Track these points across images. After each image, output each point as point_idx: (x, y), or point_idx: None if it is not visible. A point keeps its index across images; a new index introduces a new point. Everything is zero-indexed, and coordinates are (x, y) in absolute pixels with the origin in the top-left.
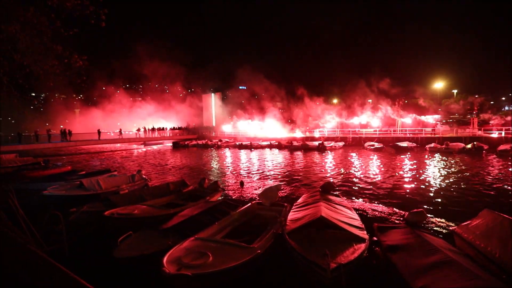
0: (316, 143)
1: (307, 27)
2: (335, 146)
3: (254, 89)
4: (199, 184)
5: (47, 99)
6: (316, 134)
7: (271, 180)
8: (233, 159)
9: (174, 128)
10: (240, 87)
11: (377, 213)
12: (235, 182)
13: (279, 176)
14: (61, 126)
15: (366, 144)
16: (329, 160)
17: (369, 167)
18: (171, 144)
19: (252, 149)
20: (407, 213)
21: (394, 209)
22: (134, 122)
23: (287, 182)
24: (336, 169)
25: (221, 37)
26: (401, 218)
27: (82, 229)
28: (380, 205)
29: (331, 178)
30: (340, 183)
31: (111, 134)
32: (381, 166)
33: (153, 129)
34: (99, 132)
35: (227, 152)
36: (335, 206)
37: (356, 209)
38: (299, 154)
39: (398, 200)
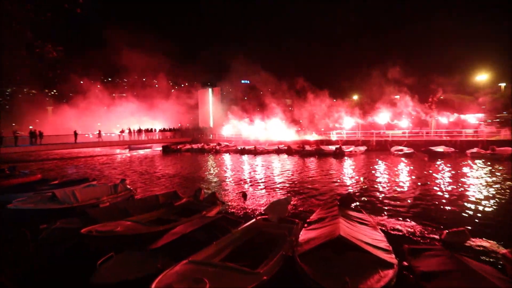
0: (333, 147)
1: (317, 16)
2: (356, 151)
3: (259, 83)
4: (194, 196)
5: (14, 95)
6: (333, 136)
7: (279, 191)
8: (234, 166)
9: (164, 130)
10: (243, 81)
11: (407, 232)
12: (236, 194)
13: (289, 187)
14: (30, 127)
15: (393, 148)
16: (349, 168)
17: (397, 176)
18: (161, 149)
19: (257, 154)
20: (445, 232)
21: (429, 227)
22: (117, 123)
23: (298, 193)
24: (357, 178)
25: (219, 25)
26: (438, 239)
27: (54, 249)
28: (411, 222)
29: (351, 189)
30: (362, 195)
31: (90, 136)
32: (412, 175)
33: (139, 130)
34: (75, 134)
35: (227, 158)
36: (356, 223)
37: (381, 227)
38: (312, 161)
39: (433, 217)
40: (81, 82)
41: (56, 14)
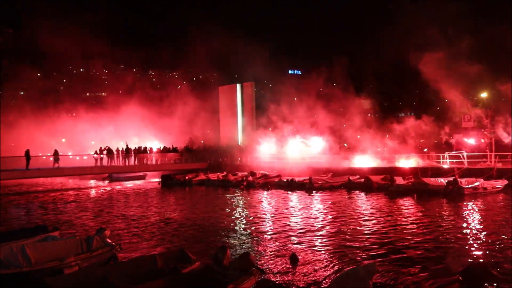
0: (443, 180)
1: None
2: (486, 188)
3: (317, 74)
4: (215, 259)
5: None
6: (444, 161)
7: (353, 253)
8: (278, 209)
9: (165, 150)
10: (291, 72)
11: None
12: (282, 255)
13: (370, 246)
14: None
15: None
16: (475, 217)
17: None
18: (159, 180)
19: (314, 191)
20: None
21: None
22: (92, 138)
23: (387, 259)
24: (493, 236)
25: None
26: None
27: None
28: None
29: (482, 256)
30: (503, 267)
31: (51, 159)
32: None
33: (126, 150)
34: (27, 155)
35: (266, 196)
36: None
37: None
38: (408, 203)
39: None
40: (38, 75)
41: None
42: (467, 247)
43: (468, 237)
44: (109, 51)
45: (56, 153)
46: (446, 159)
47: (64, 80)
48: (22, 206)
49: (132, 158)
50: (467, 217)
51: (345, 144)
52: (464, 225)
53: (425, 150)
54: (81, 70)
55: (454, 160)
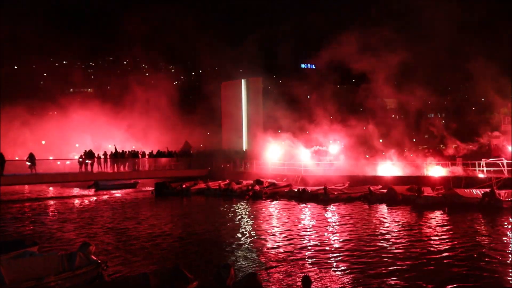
0: (479, 192)
1: None
2: None
3: (333, 68)
4: (217, 278)
5: None
6: (480, 170)
7: (374, 276)
8: (288, 223)
9: (158, 154)
10: (304, 66)
11: None
12: (292, 276)
13: (394, 269)
14: None
15: None
16: None
17: None
18: (152, 189)
19: (329, 202)
20: None
21: None
22: (77, 140)
23: (414, 283)
24: None
25: None
26: None
27: None
28: None
29: None
30: None
31: (28, 163)
32: None
33: (114, 154)
34: (2, 159)
35: (275, 208)
36: None
37: None
38: (438, 217)
39: None
40: (16, 67)
41: None
42: (506, 271)
43: (508, 258)
44: (93, 43)
45: (31, 157)
46: (483, 167)
47: (45, 75)
48: None
49: (121, 163)
50: (507, 234)
51: (367, 156)
52: (504, 243)
53: (457, 157)
54: (64, 62)
55: (492, 169)
